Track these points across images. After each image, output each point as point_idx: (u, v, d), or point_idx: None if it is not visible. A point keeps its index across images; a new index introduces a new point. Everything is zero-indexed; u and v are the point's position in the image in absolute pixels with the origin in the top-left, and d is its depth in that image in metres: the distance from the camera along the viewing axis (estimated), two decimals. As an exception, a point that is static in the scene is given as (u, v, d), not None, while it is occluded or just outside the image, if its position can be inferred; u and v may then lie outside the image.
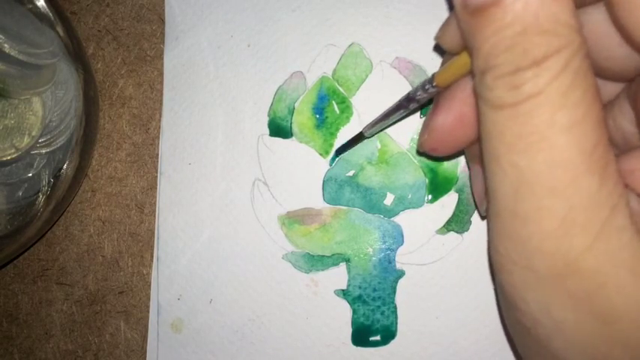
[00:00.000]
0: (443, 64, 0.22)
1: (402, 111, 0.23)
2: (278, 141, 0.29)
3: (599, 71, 0.19)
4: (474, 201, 0.25)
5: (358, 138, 0.27)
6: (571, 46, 0.15)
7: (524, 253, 0.17)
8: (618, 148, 0.21)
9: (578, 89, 0.15)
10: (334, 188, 0.28)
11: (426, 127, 0.22)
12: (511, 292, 0.18)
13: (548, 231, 0.16)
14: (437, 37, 0.20)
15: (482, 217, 0.27)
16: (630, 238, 0.16)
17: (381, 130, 0.27)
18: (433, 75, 0.21)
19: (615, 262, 0.16)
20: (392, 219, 0.28)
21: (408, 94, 0.22)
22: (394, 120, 0.25)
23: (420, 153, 0.27)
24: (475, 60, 0.16)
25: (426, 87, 0.21)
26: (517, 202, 0.16)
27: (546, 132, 0.15)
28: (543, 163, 0.15)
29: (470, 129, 0.21)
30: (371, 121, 0.26)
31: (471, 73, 0.19)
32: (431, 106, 0.23)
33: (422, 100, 0.22)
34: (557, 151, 0.15)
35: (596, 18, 0.18)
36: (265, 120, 0.29)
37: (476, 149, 0.22)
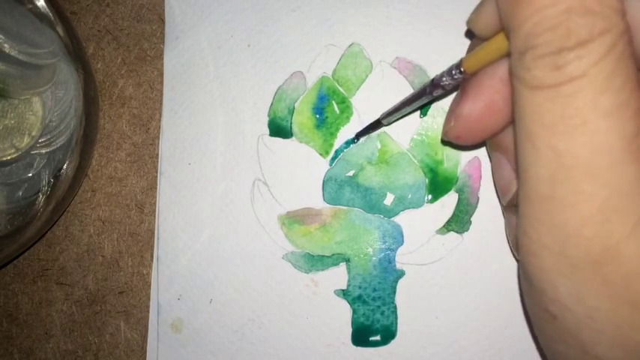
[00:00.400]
0: (470, 49, 0.22)
1: (424, 98, 0.23)
2: (278, 141, 0.29)
3: (637, 62, 0.19)
4: (496, 191, 0.24)
5: (376, 125, 0.26)
6: (616, 29, 0.15)
7: (558, 238, 0.16)
8: None
9: (621, 74, 0.15)
10: (334, 188, 0.28)
11: (452, 114, 0.22)
12: (539, 279, 0.17)
13: (586, 216, 0.16)
14: (469, 21, 0.19)
15: (505, 207, 0.25)
16: None
17: (400, 118, 0.26)
18: (461, 60, 0.20)
19: None
20: (392, 219, 0.28)
21: (433, 79, 0.22)
22: (415, 107, 0.24)
23: (444, 142, 0.27)
24: (514, 40, 0.16)
25: (453, 72, 0.20)
26: (553, 186, 0.16)
27: (588, 115, 0.15)
28: (584, 146, 0.15)
29: (499, 117, 0.21)
30: (391, 107, 0.25)
31: (501, 58, 0.19)
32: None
33: (447, 87, 0.21)
34: (599, 135, 0.15)
35: (637, 6, 0.18)
36: (265, 120, 0.29)
37: (500, 138, 0.22)
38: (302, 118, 0.28)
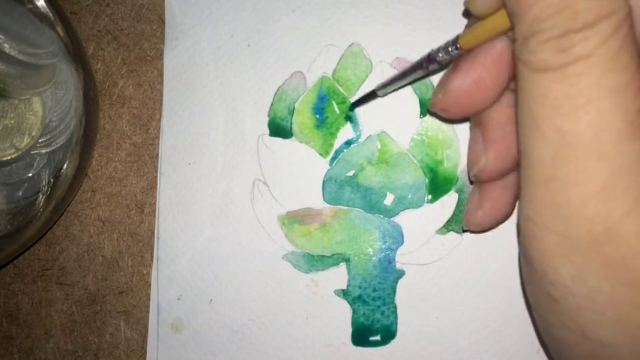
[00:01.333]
0: (468, 26, 0.22)
1: (420, 71, 0.23)
2: (278, 141, 0.29)
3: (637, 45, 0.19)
4: (467, 165, 0.25)
5: (371, 96, 0.27)
6: (621, 11, 0.15)
7: (559, 218, 0.17)
8: None
9: (625, 55, 0.15)
10: (334, 188, 0.28)
11: (441, 86, 0.22)
12: (541, 261, 0.18)
13: (589, 195, 0.16)
14: (467, 2, 0.20)
15: (471, 182, 0.26)
16: None
17: (395, 90, 0.27)
18: (457, 36, 0.20)
19: None
20: (392, 219, 0.28)
21: (429, 54, 0.22)
22: (410, 80, 0.24)
23: (430, 112, 0.27)
24: (519, 25, 0.16)
25: (449, 49, 0.21)
26: (556, 166, 0.16)
27: (593, 94, 0.15)
28: (589, 125, 0.16)
29: (486, 95, 0.21)
30: (385, 80, 0.25)
31: (496, 37, 0.19)
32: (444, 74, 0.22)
33: (443, 62, 0.22)
34: (603, 113, 0.15)
35: None
36: (265, 120, 0.29)
37: (482, 115, 0.23)
38: (302, 118, 0.28)
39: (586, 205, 0.16)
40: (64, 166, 0.27)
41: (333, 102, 0.28)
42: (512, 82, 0.22)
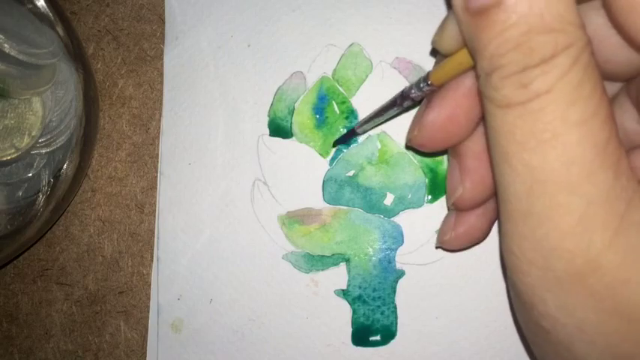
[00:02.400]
0: (437, 62, 0.22)
1: (395, 108, 0.24)
2: (278, 141, 0.29)
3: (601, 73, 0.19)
4: (446, 194, 0.25)
5: (351, 134, 0.27)
6: (579, 42, 0.15)
7: (541, 252, 0.16)
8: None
9: (588, 84, 0.15)
10: (334, 188, 0.28)
11: (416, 123, 0.22)
12: (528, 294, 0.18)
13: (566, 229, 0.16)
14: (434, 42, 0.20)
15: (449, 209, 0.26)
16: None
17: (374, 127, 0.27)
18: (428, 73, 0.21)
19: (637, 257, 0.16)
20: (392, 219, 0.28)
21: (402, 91, 0.23)
22: (387, 117, 0.25)
23: (407, 147, 0.28)
24: (479, 61, 0.16)
25: (421, 85, 0.21)
26: (531, 201, 0.16)
27: (559, 128, 0.15)
28: (557, 160, 0.15)
29: (460, 128, 0.21)
30: (363, 118, 0.26)
31: (464, 72, 0.20)
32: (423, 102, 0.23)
33: (416, 98, 0.22)
34: (570, 147, 0.15)
35: (595, 20, 0.18)
36: (265, 120, 0.29)
37: (460, 146, 0.23)
38: (302, 118, 0.28)
39: (565, 239, 0.16)
40: (64, 166, 0.27)
41: (333, 102, 0.28)
42: None
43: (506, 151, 0.16)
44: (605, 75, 0.19)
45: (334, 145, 0.28)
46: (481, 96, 0.17)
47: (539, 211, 0.16)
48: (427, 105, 0.22)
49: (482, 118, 0.21)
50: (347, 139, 0.28)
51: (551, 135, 0.15)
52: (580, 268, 0.16)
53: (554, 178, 0.15)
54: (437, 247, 0.27)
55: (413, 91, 0.22)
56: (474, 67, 0.19)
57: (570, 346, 0.17)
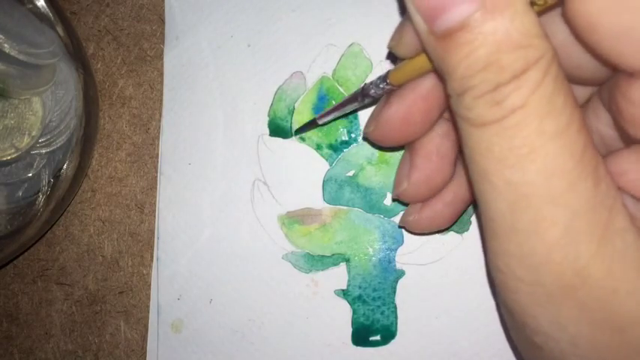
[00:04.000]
0: (398, 62, 0.23)
1: (355, 104, 0.24)
2: (278, 141, 0.29)
3: (569, 78, 0.19)
4: (394, 183, 0.25)
5: (312, 124, 0.27)
6: (546, 55, 0.15)
7: (529, 268, 0.16)
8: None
9: (559, 95, 0.15)
10: (334, 188, 0.28)
11: (373, 119, 0.23)
12: (519, 311, 0.17)
13: (552, 241, 0.16)
14: (390, 46, 0.20)
15: (393, 200, 0.27)
16: (634, 239, 0.16)
17: (334, 120, 0.28)
18: (388, 72, 0.21)
19: (624, 265, 0.15)
20: (392, 219, 0.28)
21: (363, 88, 0.23)
22: (347, 111, 0.26)
23: (364, 139, 0.28)
24: (450, 82, 0.16)
25: (380, 84, 0.22)
26: (515, 217, 0.16)
27: (536, 142, 0.15)
28: (537, 173, 0.15)
29: (415, 127, 0.22)
30: (325, 110, 0.26)
31: (422, 75, 0.20)
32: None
33: (375, 96, 0.23)
34: (549, 159, 0.15)
35: (559, 29, 0.18)
36: (265, 120, 0.29)
37: (414, 143, 0.23)
38: (302, 118, 0.28)
39: (552, 252, 0.16)
40: (64, 166, 0.27)
41: (333, 102, 0.28)
42: (446, 112, 0.22)
43: (485, 169, 0.16)
44: (576, 80, 0.19)
45: (296, 134, 0.28)
46: (453, 115, 0.17)
47: (524, 227, 0.16)
48: (385, 102, 0.22)
49: (440, 117, 0.22)
50: (308, 128, 0.28)
51: (529, 149, 0.15)
52: (569, 280, 0.16)
53: (536, 192, 0.15)
54: (400, 227, 0.27)
55: (372, 90, 0.22)
56: (431, 71, 0.19)
57: None
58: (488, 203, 0.17)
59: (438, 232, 0.26)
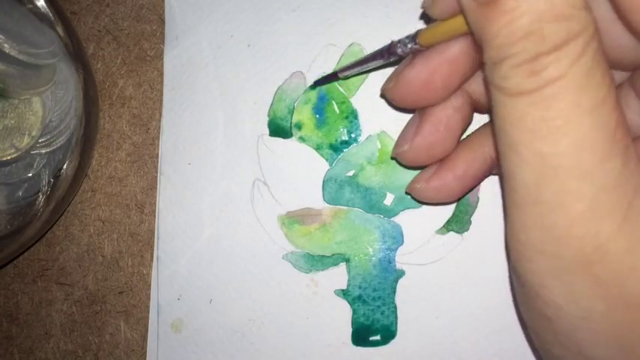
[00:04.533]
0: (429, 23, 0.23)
1: (380, 60, 0.24)
2: (278, 141, 0.29)
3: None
4: (396, 142, 0.25)
5: (333, 77, 0.27)
6: (589, 29, 0.15)
7: (549, 240, 0.16)
8: None
9: (598, 71, 0.15)
10: (334, 188, 0.28)
11: (394, 76, 0.23)
12: (533, 282, 0.17)
13: (576, 215, 0.16)
14: (424, 6, 0.20)
15: (391, 158, 0.27)
16: None
17: (356, 75, 0.27)
18: (417, 32, 0.21)
19: None
20: (392, 219, 0.28)
21: (390, 45, 0.23)
22: (370, 68, 0.25)
23: (381, 95, 0.28)
24: (487, 50, 0.16)
25: (408, 43, 0.21)
26: (540, 189, 0.16)
27: (571, 115, 0.15)
28: (569, 146, 0.15)
29: (434, 93, 0.22)
30: (347, 64, 0.26)
31: (454, 38, 0.20)
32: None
33: (402, 54, 0.22)
34: (582, 133, 0.15)
35: (600, 6, 0.18)
36: (265, 120, 0.29)
37: (427, 109, 0.23)
38: (302, 118, 0.28)
39: (574, 226, 0.16)
40: (64, 166, 0.27)
41: (333, 102, 0.28)
42: (464, 84, 0.22)
43: (514, 140, 0.16)
44: (611, 63, 0.19)
45: (314, 87, 0.28)
46: (487, 84, 0.17)
47: (549, 199, 0.16)
48: (409, 62, 0.22)
49: (459, 87, 0.22)
50: (328, 81, 0.28)
51: (564, 121, 0.15)
52: (588, 255, 0.16)
53: (565, 165, 0.15)
54: (406, 193, 0.27)
55: (399, 48, 0.22)
56: (464, 35, 0.19)
57: (574, 335, 0.17)
58: (513, 174, 0.17)
59: (441, 204, 0.26)
